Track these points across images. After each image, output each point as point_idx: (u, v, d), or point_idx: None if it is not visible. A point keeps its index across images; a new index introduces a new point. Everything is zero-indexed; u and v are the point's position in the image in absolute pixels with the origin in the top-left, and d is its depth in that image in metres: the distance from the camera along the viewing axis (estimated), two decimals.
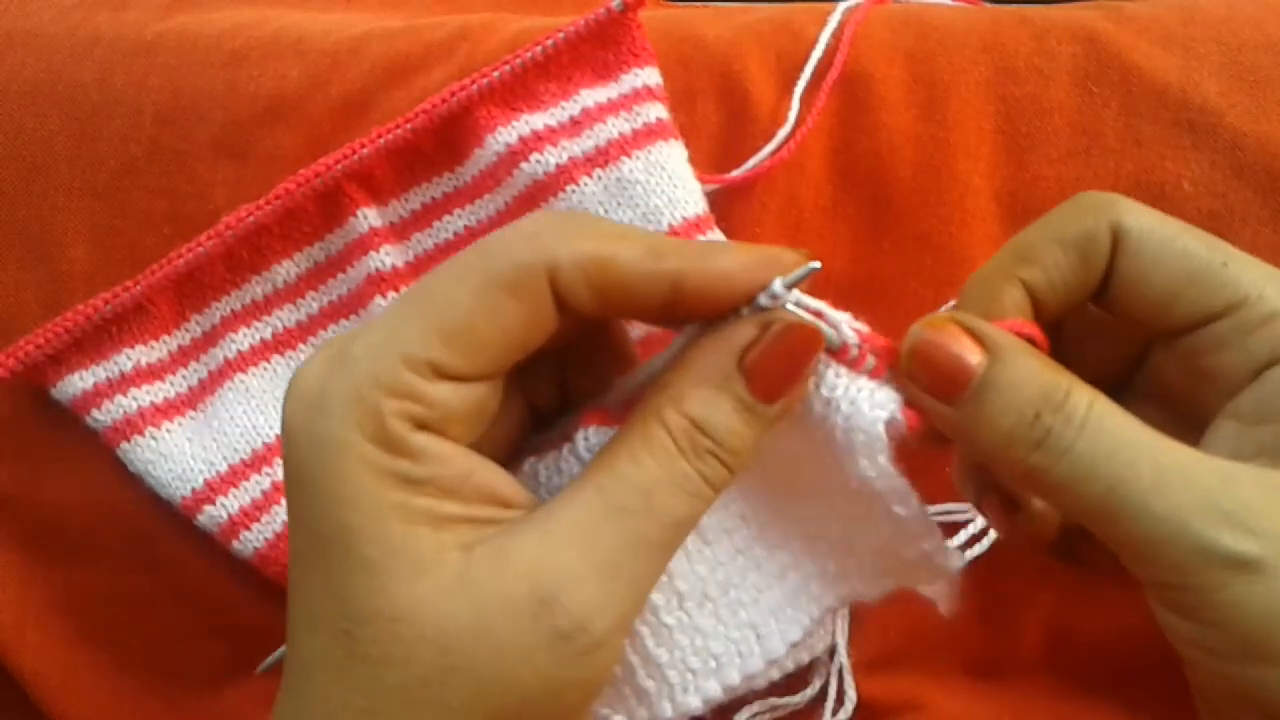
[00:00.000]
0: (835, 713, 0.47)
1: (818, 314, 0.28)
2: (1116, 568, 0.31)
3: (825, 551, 0.32)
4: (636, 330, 0.37)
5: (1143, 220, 0.30)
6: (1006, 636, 0.48)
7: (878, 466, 0.28)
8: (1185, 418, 0.31)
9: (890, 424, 0.28)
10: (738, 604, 0.32)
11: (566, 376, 0.32)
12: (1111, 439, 0.27)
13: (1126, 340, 0.33)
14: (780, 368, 0.28)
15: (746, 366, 0.27)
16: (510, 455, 0.31)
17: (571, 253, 0.26)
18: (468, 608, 0.25)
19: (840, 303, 0.49)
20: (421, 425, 0.26)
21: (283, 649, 0.33)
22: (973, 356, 0.28)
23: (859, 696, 0.47)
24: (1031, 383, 0.28)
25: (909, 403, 0.29)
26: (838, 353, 0.28)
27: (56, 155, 0.50)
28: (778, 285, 0.27)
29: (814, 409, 0.29)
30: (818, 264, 0.28)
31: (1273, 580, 0.26)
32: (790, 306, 0.28)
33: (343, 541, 0.25)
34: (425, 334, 0.26)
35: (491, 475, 0.27)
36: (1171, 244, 0.30)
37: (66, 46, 0.52)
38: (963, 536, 0.47)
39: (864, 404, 0.28)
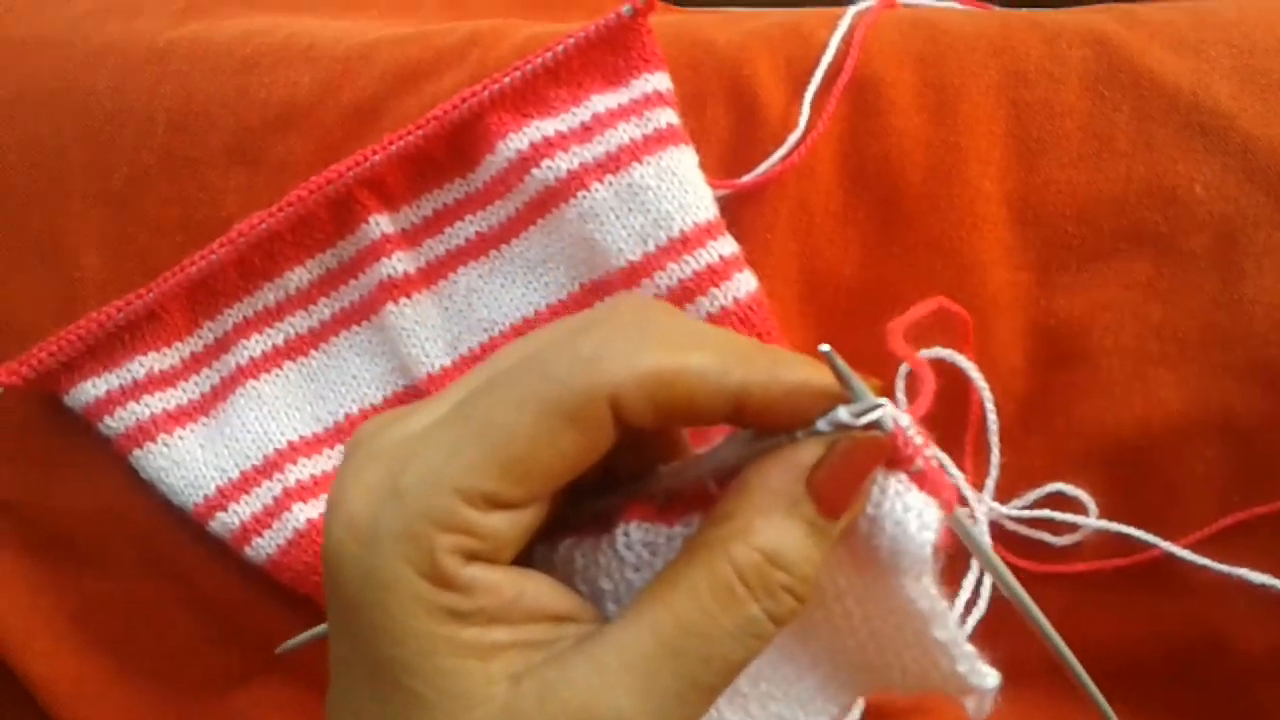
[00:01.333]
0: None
1: (914, 447, 0.26)
2: None
3: (856, 649, 0.31)
4: None
5: None
6: (1008, 638, 0.48)
7: (920, 588, 0.27)
8: None
9: (936, 544, 0.27)
10: (768, 697, 0.31)
11: (612, 457, 0.30)
12: None
13: None
14: (848, 483, 0.26)
15: (814, 486, 0.26)
16: (548, 531, 0.30)
17: (635, 374, 0.25)
18: None
19: (849, 307, 0.50)
20: (473, 557, 0.25)
21: (309, 632, 0.33)
22: None
23: (866, 700, 0.47)
24: None
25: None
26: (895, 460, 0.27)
27: (70, 163, 0.51)
28: (843, 414, 0.26)
29: (858, 525, 0.27)
30: (885, 401, 0.26)
31: None
32: (888, 423, 0.26)
33: (393, 673, 0.25)
34: (484, 465, 0.25)
35: (540, 592, 0.27)
36: None
37: (79, 55, 0.52)
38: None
39: (911, 525, 0.26)
